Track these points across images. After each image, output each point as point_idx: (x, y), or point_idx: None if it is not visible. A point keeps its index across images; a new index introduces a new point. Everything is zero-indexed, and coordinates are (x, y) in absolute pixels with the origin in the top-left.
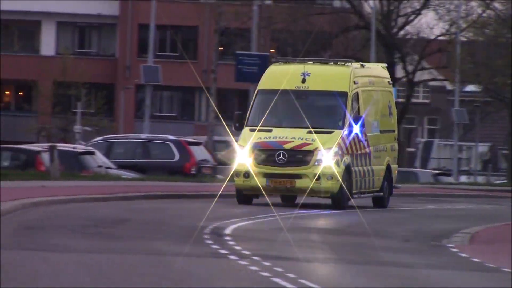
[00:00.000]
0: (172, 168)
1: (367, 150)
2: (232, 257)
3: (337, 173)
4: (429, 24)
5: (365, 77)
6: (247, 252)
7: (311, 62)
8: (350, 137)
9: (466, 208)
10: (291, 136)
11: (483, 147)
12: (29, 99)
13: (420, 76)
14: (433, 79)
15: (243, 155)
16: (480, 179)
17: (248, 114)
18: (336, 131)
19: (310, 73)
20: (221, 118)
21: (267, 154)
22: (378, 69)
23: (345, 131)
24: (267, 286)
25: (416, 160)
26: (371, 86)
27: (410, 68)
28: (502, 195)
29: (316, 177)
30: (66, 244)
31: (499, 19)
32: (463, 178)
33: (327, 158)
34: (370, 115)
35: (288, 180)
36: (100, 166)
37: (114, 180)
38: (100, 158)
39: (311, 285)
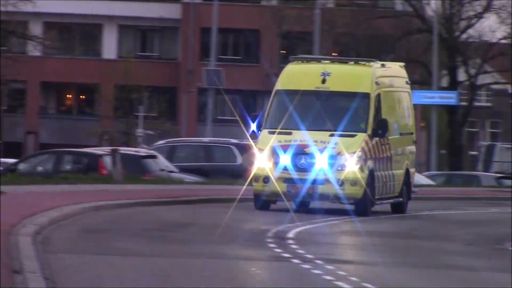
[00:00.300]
0: (235, 171)
1: (388, 153)
2: (295, 260)
3: (361, 179)
4: (491, 27)
5: (386, 77)
6: (310, 256)
7: (331, 61)
8: (373, 141)
9: None
10: (312, 139)
11: None
12: (91, 102)
13: (482, 79)
14: (496, 83)
15: (262, 159)
16: None
17: (266, 115)
18: (359, 134)
19: (330, 73)
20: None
21: (288, 157)
22: (397, 69)
23: (368, 134)
24: None
25: (478, 163)
26: (391, 87)
27: (472, 71)
28: None
29: (340, 182)
30: (129, 248)
31: None
32: None
33: (351, 163)
34: (391, 117)
35: (311, 185)
36: (162, 170)
37: (177, 184)
38: (162, 161)
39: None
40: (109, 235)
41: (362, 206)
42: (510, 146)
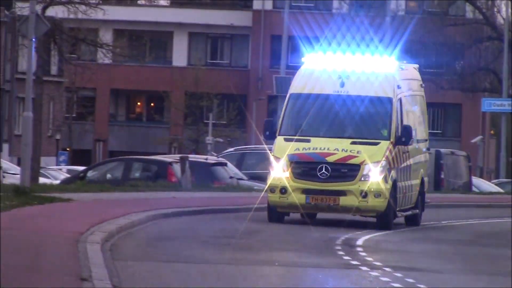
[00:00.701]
0: None
1: (408, 162)
2: (364, 268)
3: (385, 190)
4: None
5: (405, 80)
6: (378, 263)
7: (350, 54)
8: (396, 149)
9: None
10: (333, 147)
11: None
12: (161, 110)
13: None
14: None
15: (279, 168)
16: None
17: (280, 121)
18: (383, 142)
19: (349, 75)
20: None
21: (308, 167)
22: (413, 71)
23: (391, 142)
24: None
25: None
26: (410, 91)
27: None
28: None
29: (363, 194)
30: (197, 255)
31: None
32: None
33: (375, 173)
34: (410, 123)
35: (332, 197)
36: (231, 177)
37: (246, 191)
38: (232, 169)
39: None
40: (177, 242)
41: (385, 219)
42: None
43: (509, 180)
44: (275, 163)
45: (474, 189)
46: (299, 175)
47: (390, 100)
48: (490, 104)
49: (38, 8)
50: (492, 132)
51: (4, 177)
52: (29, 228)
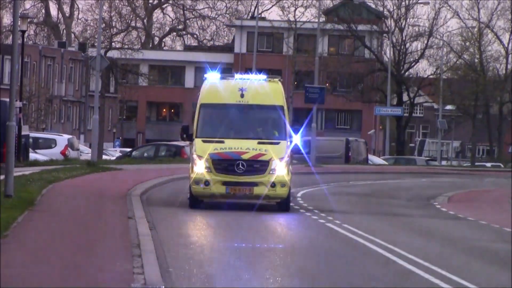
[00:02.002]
0: None
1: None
2: (301, 210)
3: (288, 181)
4: (424, 68)
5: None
6: (310, 207)
7: (243, 78)
8: (291, 147)
9: (445, 181)
10: (245, 146)
11: (456, 143)
12: (178, 114)
13: (418, 99)
14: (426, 102)
15: (202, 164)
16: (455, 163)
17: (195, 126)
18: (282, 141)
19: (246, 88)
20: None
21: (227, 163)
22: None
23: (288, 142)
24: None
25: (415, 151)
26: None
27: (411, 95)
28: (467, 172)
29: (272, 184)
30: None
31: (467, 65)
32: (444, 162)
33: (281, 168)
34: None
35: (247, 187)
36: None
37: None
38: None
39: (353, 228)
40: (185, 194)
41: (287, 204)
42: (434, 140)
43: (391, 156)
44: (198, 161)
45: (369, 162)
46: (219, 170)
47: (282, 107)
48: (380, 110)
49: (102, 51)
50: (380, 127)
51: (81, 155)
52: (96, 186)
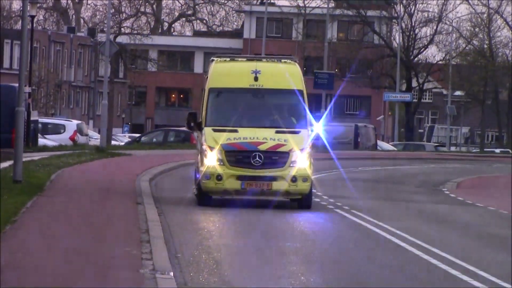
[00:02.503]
0: None
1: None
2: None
3: (310, 175)
4: (433, 54)
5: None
6: (319, 193)
7: (256, 60)
8: (312, 136)
9: (454, 167)
10: (261, 136)
11: (465, 129)
12: (187, 99)
13: (427, 85)
14: (435, 88)
15: (213, 156)
16: (464, 149)
17: (204, 114)
18: (303, 130)
19: (260, 70)
20: None
21: (241, 155)
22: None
23: (310, 130)
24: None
25: (424, 137)
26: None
27: (420, 81)
28: (476, 158)
29: (293, 179)
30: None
31: (476, 51)
32: (453, 148)
33: (302, 160)
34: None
35: (265, 182)
36: None
37: None
38: None
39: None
40: (191, 181)
41: (308, 200)
42: (443, 126)
43: (400, 142)
44: (209, 152)
45: (378, 148)
46: (233, 163)
47: (301, 92)
48: (389, 96)
49: (111, 36)
50: (389, 113)
51: (89, 140)
52: (104, 171)
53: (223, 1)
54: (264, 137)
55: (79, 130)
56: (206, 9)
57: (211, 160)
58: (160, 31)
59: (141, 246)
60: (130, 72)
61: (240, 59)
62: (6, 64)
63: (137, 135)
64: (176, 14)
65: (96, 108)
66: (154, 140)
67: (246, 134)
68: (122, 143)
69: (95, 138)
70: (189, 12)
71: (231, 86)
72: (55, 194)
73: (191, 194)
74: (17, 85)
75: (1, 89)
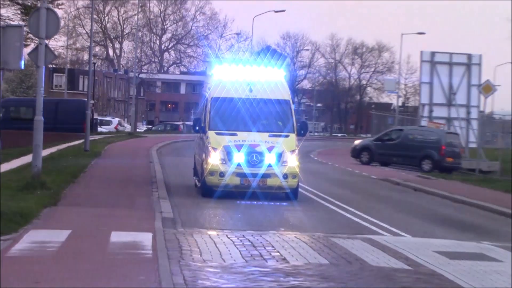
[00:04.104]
0: None
1: None
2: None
3: (298, 172)
4: (306, 84)
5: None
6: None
7: (249, 65)
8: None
9: (317, 143)
10: (258, 139)
11: (322, 123)
12: (176, 108)
13: (304, 101)
14: (307, 102)
15: (216, 156)
16: (321, 134)
17: (208, 119)
18: (291, 135)
19: (254, 83)
20: None
21: (241, 155)
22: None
23: (296, 134)
24: None
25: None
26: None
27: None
28: (327, 138)
29: (284, 176)
30: (189, 154)
31: (328, 81)
32: (316, 134)
33: (292, 160)
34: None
35: (261, 179)
36: None
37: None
38: None
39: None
40: (180, 151)
41: (296, 193)
42: (313, 122)
43: None
44: (213, 152)
45: None
46: (234, 162)
47: (288, 102)
48: None
49: (136, 74)
50: None
51: (125, 129)
52: (132, 145)
53: (197, 56)
54: (260, 140)
55: (119, 123)
56: (186, 60)
57: (215, 159)
58: (162, 71)
59: (151, 185)
60: (146, 92)
61: (236, 68)
62: (80, 88)
63: (150, 126)
64: (171, 62)
65: (128, 111)
66: (159, 129)
67: (244, 137)
68: (142, 131)
69: (127, 127)
70: (177, 62)
71: (229, 96)
72: (105, 157)
73: (193, 183)
74: (86, 99)
75: (79, 102)
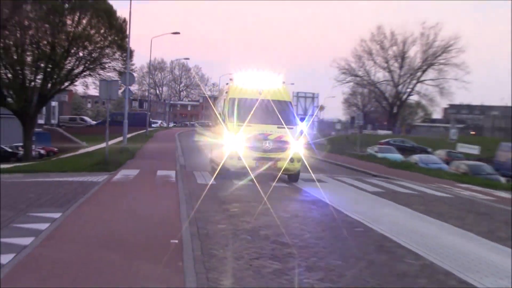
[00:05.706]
0: None
1: None
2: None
3: (303, 157)
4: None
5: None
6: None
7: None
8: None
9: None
10: (269, 130)
11: None
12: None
13: None
14: None
15: (236, 142)
16: None
17: (227, 113)
18: (295, 126)
19: (263, 89)
20: None
21: (257, 142)
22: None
23: (299, 126)
24: None
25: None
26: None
27: None
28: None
29: (291, 160)
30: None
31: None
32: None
33: (298, 146)
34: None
35: (272, 162)
36: None
37: None
38: None
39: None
40: (187, 134)
41: (297, 175)
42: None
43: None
44: (234, 139)
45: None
46: (251, 147)
47: (290, 102)
48: None
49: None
50: None
51: (163, 125)
52: (166, 131)
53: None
54: (271, 130)
55: (161, 123)
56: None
57: (235, 145)
58: (179, 99)
59: (176, 160)
60: (173, 109)
61: (250, 77)
62: (143, 107)
63: (174, 124)
64: (183, 96)
65: (164, 118)
66: (178, 125)
67: (258, 128)
68: (171, 126)
69: (164, 125)
70: (187, 96)
71: (244, 96)
72: (155, 138)
73: (210, 168)
74: (146, 112)
75: (144, 114)
